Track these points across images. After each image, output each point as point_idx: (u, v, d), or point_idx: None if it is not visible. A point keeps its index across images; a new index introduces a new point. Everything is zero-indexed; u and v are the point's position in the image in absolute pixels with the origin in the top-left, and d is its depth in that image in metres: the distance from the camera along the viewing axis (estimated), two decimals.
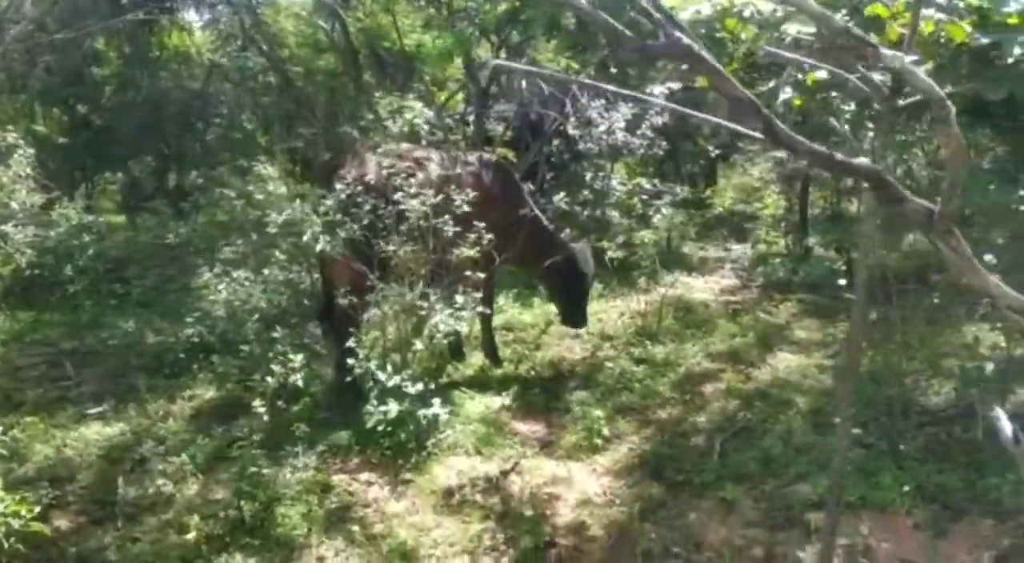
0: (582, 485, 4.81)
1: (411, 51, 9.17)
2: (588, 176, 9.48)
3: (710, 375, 6.42)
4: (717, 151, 12.03)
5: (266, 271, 6.34)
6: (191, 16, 11.16)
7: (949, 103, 1.55)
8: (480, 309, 5.49)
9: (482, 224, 5.27)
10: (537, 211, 6.69)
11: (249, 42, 9.87)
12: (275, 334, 5.90)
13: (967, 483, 4.56)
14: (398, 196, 5.18)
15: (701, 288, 8.87)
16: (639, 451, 5.15)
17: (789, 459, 4.97)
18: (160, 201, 9.22)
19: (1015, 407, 5.19)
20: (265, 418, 4.50)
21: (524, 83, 8.95)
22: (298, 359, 4.68)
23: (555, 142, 9.45)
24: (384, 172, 5.17)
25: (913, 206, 1.66)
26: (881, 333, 6.02)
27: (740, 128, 1.92)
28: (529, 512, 4.51)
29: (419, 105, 5.90)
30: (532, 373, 6.53)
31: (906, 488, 4.49)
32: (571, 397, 6.04)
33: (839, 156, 1.77)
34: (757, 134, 1.78)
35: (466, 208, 5.29)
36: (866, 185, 2.20)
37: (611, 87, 3.69)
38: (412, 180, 5.16)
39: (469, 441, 5.21)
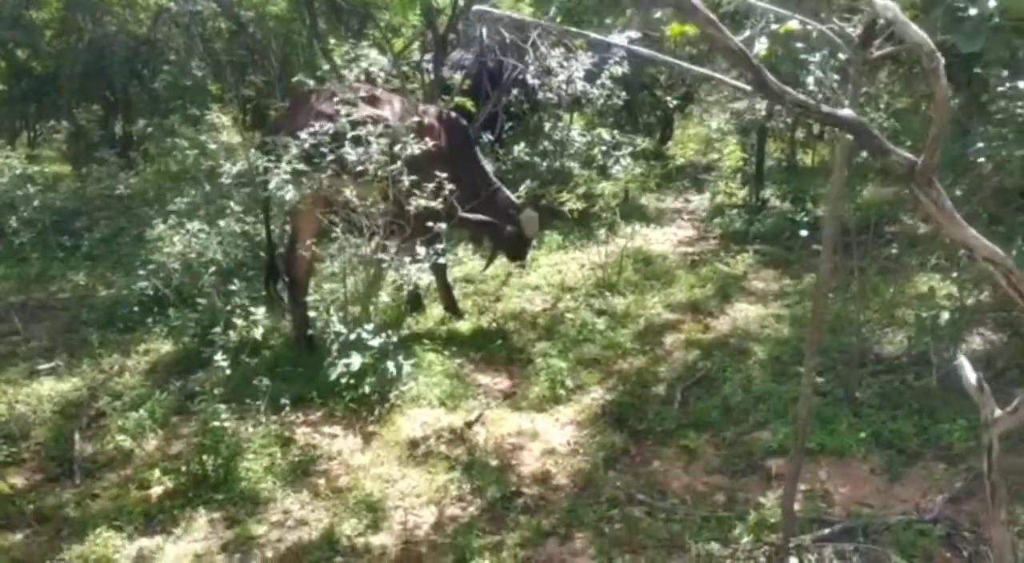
0: (546, 435, 4.84)
1: None
2: (547, 127, 9.42)
3: (670, 326, 6.47)
4: (675, 102, 12.02)
5: (221, 223, 6.22)
6: None
7: (939, 55, 1.53)
8: (439, 261, 5.44)
9: (444, 174, 5.19)
10: (488, 170, 6.58)
11: None
12: (233, 287, 5.81)
13: (920, 429, 4.69)
14: (354, 142, 5.07)
15: (660, 239, 8.91)
16: (602, 401, 5.19)
17: (749, 407, 5.05)
18: (107, 150, 8.92)
19: (966, 355, 5.34)
20: (227, 372, 4.42)
21: (484, 31, 8.78)
22: (260, 312, 4.59)
23: (514, 92, 9.35)
24: (345, 118, 5.04)
25: (896, 158, 1.65)
26: (837, 283, 6.11)
27: (725, 78, 1.89)
28: (494, 462, 4.53)
29: (374, 53, 5.74)
30: (493, 325, 6.52)
31: (862, 434, 4.60)
32: (533, 349, 6.05)
33: (826, 108, 1.75)
34: (743, 85, 1.76)
35: (423, 158, 5.21)
36: (848, 136, 2.20)
37: (592, 35, 3.56)
38: (372, 127, 5.05)
39: (432, 393, 5.20)
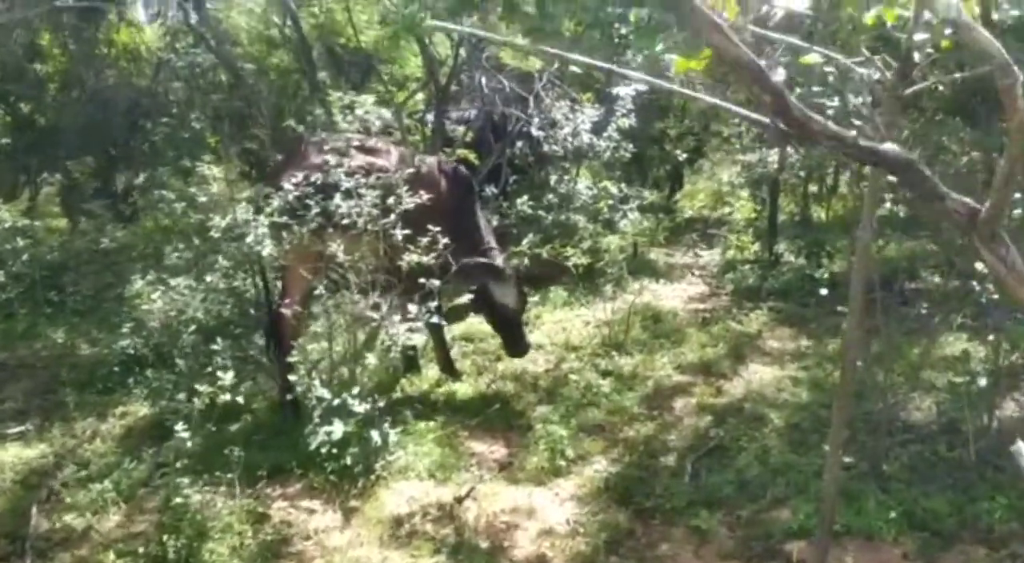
0: (544, 513, 4.42)
1: (368, 48, 8.75)
2: (553, 179, 9.15)
3: (680, 389, 6.08)
4: (684, 155, 11.77)
5: (208, 278, 5.91)
6: (139, 10, 10.63)
7: (1016, 70, 1.20)
8: (434, 320, 5.09)
9: (437, 229, 4.86)
10: (483, 226, 6.12)
11: (199, 38, 9.37)
12: (214, 346, 5.48)
13: (956, 507, 4.25)
14: (345, 195, 4.76)
15: (669, 296, 8.54)
16: (606, 474, 4.77)
17: (766, 481, 4.62)
18: (98, 203, 8.68)
19: (1001, 423, 4.93)
20: (188, 444, 4.05)
21: (483, 79, 8.55)
22: (228, 377, 4.23)
23: (518, 144, 9.09)
24: (336, 169, 4.74)
25: (953, 205, 1.31)
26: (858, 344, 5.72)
27: (742, 111, 1.58)
28: (485, 544, 4.11)
29: (370, 99, 5.47)
30: (492, 387, 6.14)
31: (892, 514, 4.17)
32: (533, 414, 5.66)
33: (865, 141, 1.41)
34: (761, 117, 1.43)
35: (418, 211, 4.89)
36: (889, 177, 1.86)
37: (607, 65, 3.18)
38: (365, 178, 4.75)
39: (422, 464, 4.81)
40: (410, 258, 4.85)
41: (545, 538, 4.19)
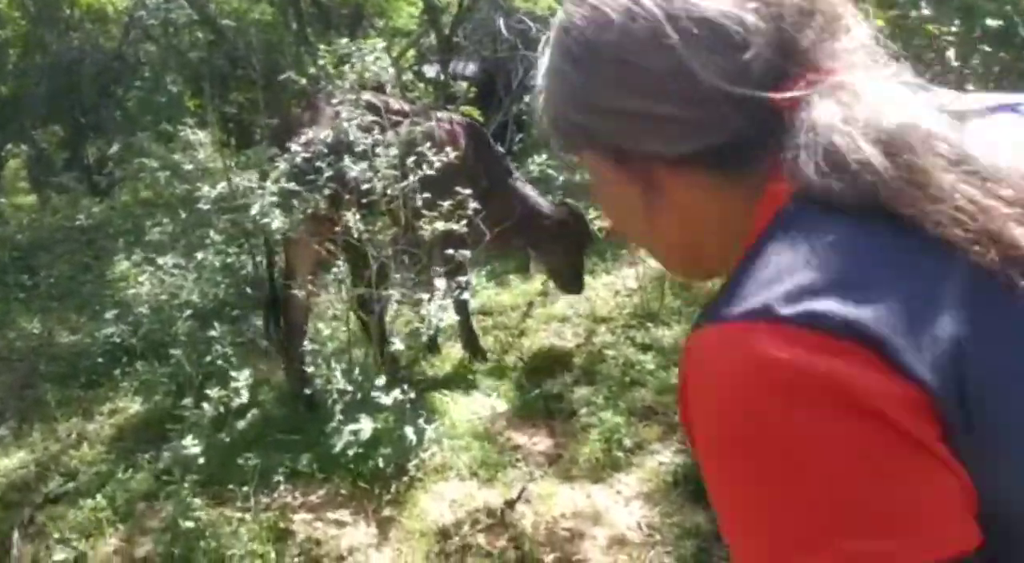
0: (610, 516, 3.83)
1: None
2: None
3: None
4: None
5: (199, 255, 5.26)
6: None
7: None
8: (464, 296, 4.48)
9: (467, 191, 4.23)
10: (519, 184, 5.63)
11: None
12: (212, 332, 4.86)
13: None
14: (360, 156, 4.09)
15: None
16: (672, 466, 4.20)
17: None
18: (69, 176, 7.93)
19: None
20: (200, 459, 3.43)
21: (503, 22, 7.85)
22: (243, 377, 3.61)
23: (526, 99, 8.42)
24: (349, 126, 4.07)
25: None
26: None
27: None
28: (550, 558, 3.54)
29: (380, 43, 4.79)
30: (520, 365, 5.55)
31: None
32: (573, 395, 5.08)
33: None
34: None
35: (445, 172, 4.24)
36: None
37: None
38: (382, 136, 4.09)
39: (460, 461, 4.21)
40: (434, 226, 4.22)
41: (619, 548, 3.61)
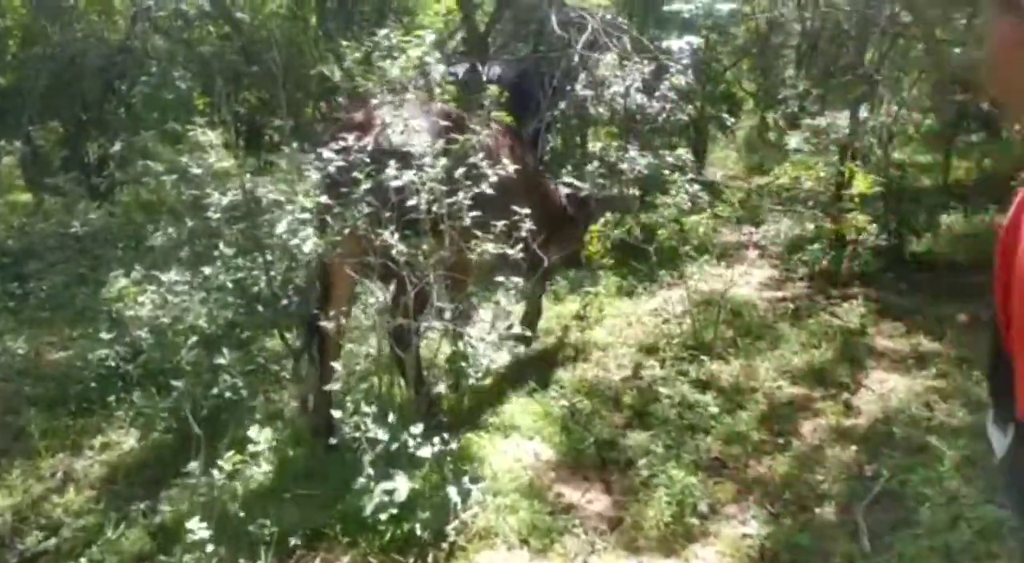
0: None
1: None
2: (599, 146, 7.90)
3: (800, 405, 4.91)
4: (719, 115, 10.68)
5: (206, 270, 4.66)
6: None
7: None
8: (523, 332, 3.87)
9: (525, 209, 3.63)
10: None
11: None
12: (220, 359, 4.26)
13: None
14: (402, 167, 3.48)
15: (737, 281, 7.35)
16: (756, 537, 3.59)
17: (972, 546, 3.47)
18: (67, 176, 7.32)
19: None
20: (209, 547, 2.82)
21: (554, 16, 7.23)
22: (264, 437, 3.00)
23: (561, 105, 7.83)
24: (399, 133, 3.47)
25: None
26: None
27: None
28: None
29: (430, 36, 4.19)
30: (563, 403, 4.94)
31: None
32: (627, 441, 4.48)
33: None
34: None
35: (500, 187, 3.65)
36: None
37: None
38: (430, 145, 3.49)
39: (507, 524, 3.59)
40: (485, 248, 3.62)
41: None
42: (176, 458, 3.92)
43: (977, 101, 9.73)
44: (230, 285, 4.34)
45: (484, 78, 8.36)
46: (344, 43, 6.51)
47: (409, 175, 3.40)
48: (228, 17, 7.35)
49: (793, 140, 8.49)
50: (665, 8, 8.88)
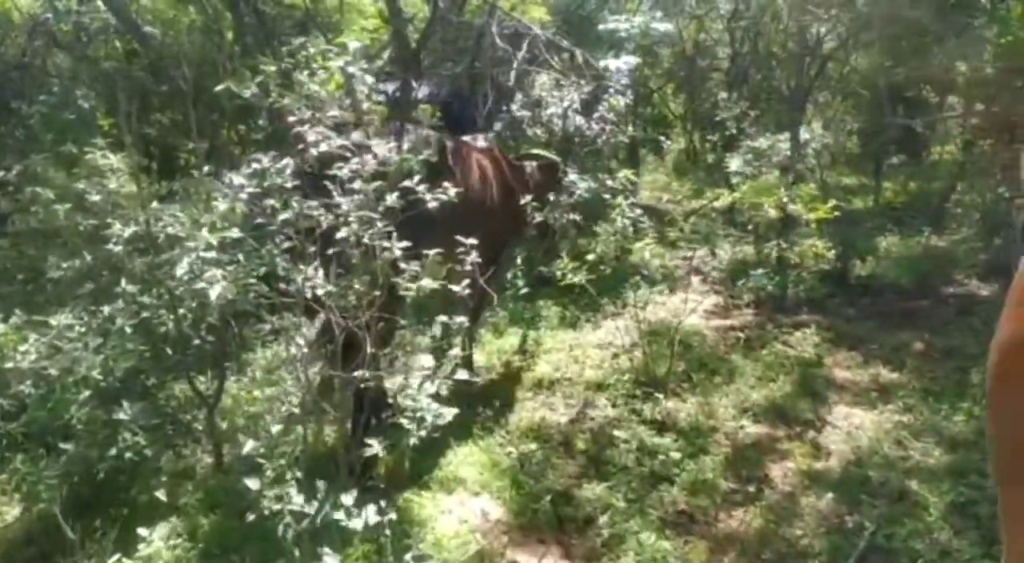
0: None
1: (308, 6, 6.94)
2: None
3: (766, 446, 4.56)
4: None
5: (105, 310, 4.09)
6: None
7: None
8: (462, 376, 3.41)
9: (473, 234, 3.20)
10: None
11: None
12: (121, 414, 3.71)
13: None
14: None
15: (682, 309, 7.02)
16: None
17: None
18: None
19: None
20: None
21: (495, 28, 6.83)
22: (157, 535, 2.46)
23: (497, 126, 7.43)
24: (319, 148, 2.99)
25: None
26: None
27: None
28: None
29: (354, 43, 3.75)
30: (510, 451, 4.49)
31: None
32: (583, 494, 4.05)
33: None
34: None
35: (443, 211, 3.20)
36: None
37: None
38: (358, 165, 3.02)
39: None
40: (421, 285, 3.16)
41: None
42: (64, 534, 3.35)
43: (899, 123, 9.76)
44: (128, 330, 3.76)
45: (416, 97, 7.95)
46: (261, 58, 6.02)
47: (344, 200, 2.92)
48: (135, 31, 6.75)
49: (733, 162, 8.29)
50: (601, 27, 8.60)
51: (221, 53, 6.28)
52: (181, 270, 2.70)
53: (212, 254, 2.70)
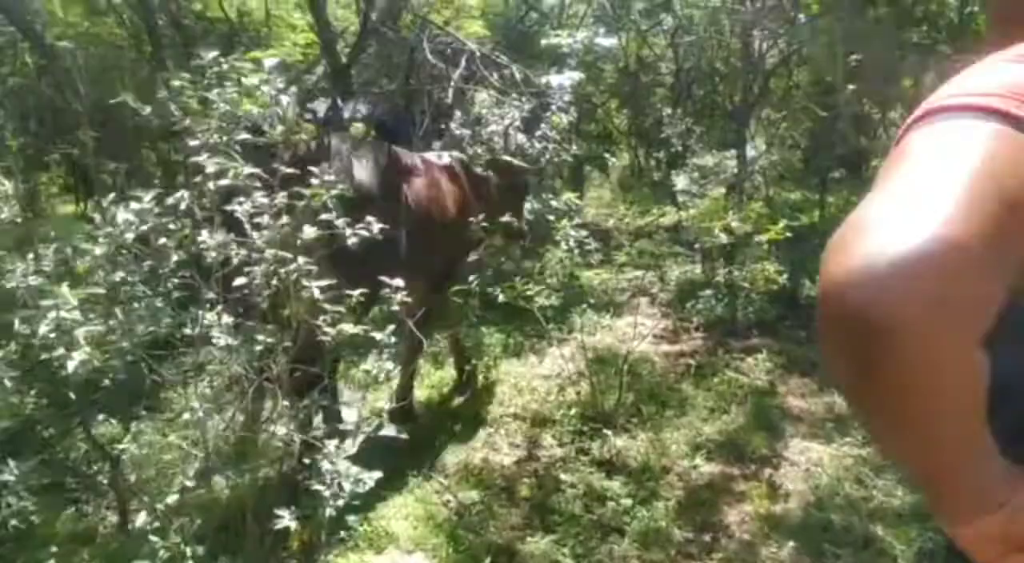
0: None
1: (231, 20, 6.53)
2: None
3: (720, 487, 4.27)
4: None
5: None
6: None
7: None
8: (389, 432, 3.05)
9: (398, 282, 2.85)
10: None
11: None
12: (5, 475, 3.30)
13: None
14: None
15: (629, 334, 6.75)
16: None
17: None
18: None
19: None
20: None
21: (426, 43, 6.49)
22: None
23: (435, 145, 7.09)
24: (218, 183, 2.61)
25: None
26: None
27: None
28: None
29: (272, 59, 3.39)
30: (447, 500, 4.14)
31: None
32: (527, 548, 3.71)
33: None
34: None
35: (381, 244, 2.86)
36: None
37: None
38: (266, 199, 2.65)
39: None
40: (340, 329, 2.80)
41: None
42: None
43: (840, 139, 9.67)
44: (8, 383, 3.32)
45: (347, 115, 7.58)
46: (165, 74, 5.60)
47: (255, 235, 2.55)
48: (40, 45, 6.26)
49: (680, 180, 8.07)
50: (544, 42, 8.34)
51: (127, 69, 5.83)
52: (43, 329, 2.28)
53: (77, 314, 2.28)
